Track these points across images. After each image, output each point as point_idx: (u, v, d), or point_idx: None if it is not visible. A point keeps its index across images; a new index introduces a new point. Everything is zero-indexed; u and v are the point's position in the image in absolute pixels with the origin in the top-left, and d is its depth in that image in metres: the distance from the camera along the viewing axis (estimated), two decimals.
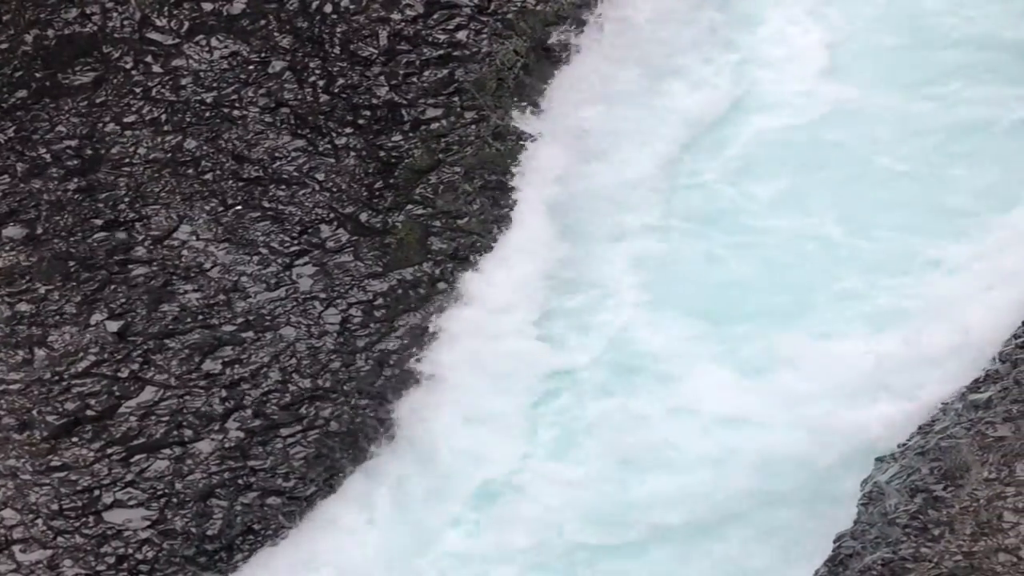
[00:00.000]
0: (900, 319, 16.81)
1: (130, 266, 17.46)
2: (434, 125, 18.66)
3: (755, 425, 16.35)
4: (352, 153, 18.42)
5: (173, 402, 16.63)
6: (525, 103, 19.09)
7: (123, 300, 17.21)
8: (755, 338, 16.99)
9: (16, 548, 15.59)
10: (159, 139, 18.32)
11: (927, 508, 14.63)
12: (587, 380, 17.07)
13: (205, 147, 18.32)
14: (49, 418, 16.38)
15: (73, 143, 18.24)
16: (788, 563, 15.41)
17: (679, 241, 18.07)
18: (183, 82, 18.69)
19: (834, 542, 15.02)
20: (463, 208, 18.26)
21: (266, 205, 18.01)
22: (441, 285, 17.76)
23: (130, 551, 15.73)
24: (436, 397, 17.01)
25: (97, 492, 15.99)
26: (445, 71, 18.97)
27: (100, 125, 18.36)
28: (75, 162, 18.13)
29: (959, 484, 14.73)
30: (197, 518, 15.97)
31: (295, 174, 18.24)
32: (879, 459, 15.58)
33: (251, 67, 18.84)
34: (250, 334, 17.11)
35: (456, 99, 18.84)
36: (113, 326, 17.03)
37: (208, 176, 18.16)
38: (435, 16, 19.26)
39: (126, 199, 17.92)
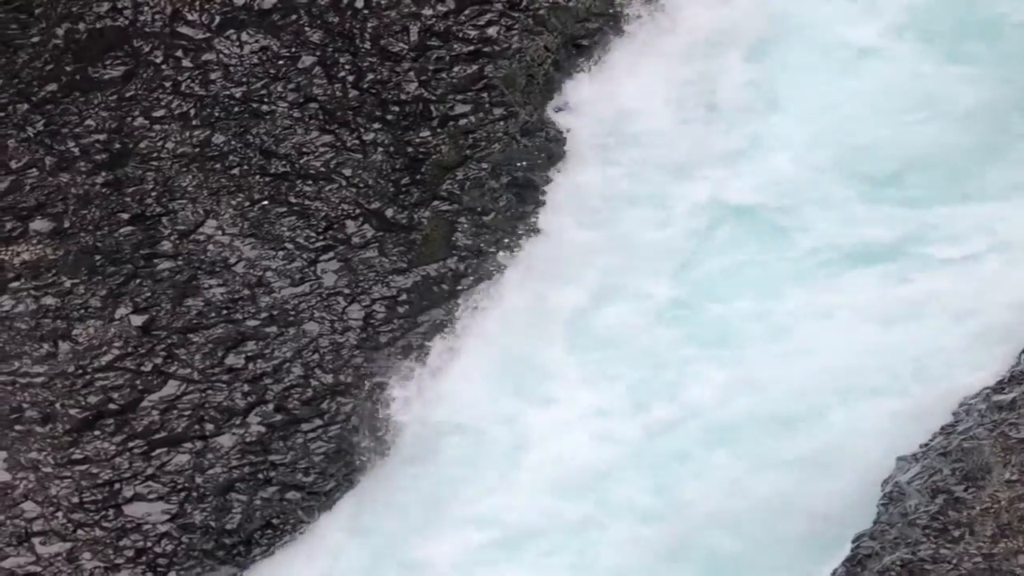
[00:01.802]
0: (920, 316, 16.68)
1: (156, 260, 17.50)
2: (462, 121, 18.61)
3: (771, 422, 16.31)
4: (380, 149, 18.40)
5: (195, 396, 16.64)
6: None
7: (148, 294, 17.25)
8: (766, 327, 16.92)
9: (36, 540, 15.65)
10: (187, 133, 18.36)
11: (948, 509, 14.47)
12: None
13: (233, 142, 18.34)
14: (72, 411, 16.43)
15: (102, 137, 18.30)
16: (806, 562, 15.28)
17: None
18: (213, 76, 18.73)
19: (852, 542, 14.85)
20: (489, 205, 18.20)
21: (292, 200, 18.01)
22: (466, 281, 17.72)
23: (149, 544, 15.75)
24: None
25: (118, 485, 16.03)
26: (475, 67, 18.92)
27: (129, 119, 18.42)
28: (103, 156, 18.19)
29: (980, 485, 14.57)
30: (216, 512, 15.98)
31: (322, 169, 18.24)
32: (900, 459, 15.42)
33: (281, 62, 18.86)
34: (273, 329, 17.11)
35: (485, 95, 18.79)
36: (137, 320, 17.07)
37: (235, 171, 18.18)
38: (466, 12, 19.22)
39: (153, 193, 17.97)
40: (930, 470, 14.88)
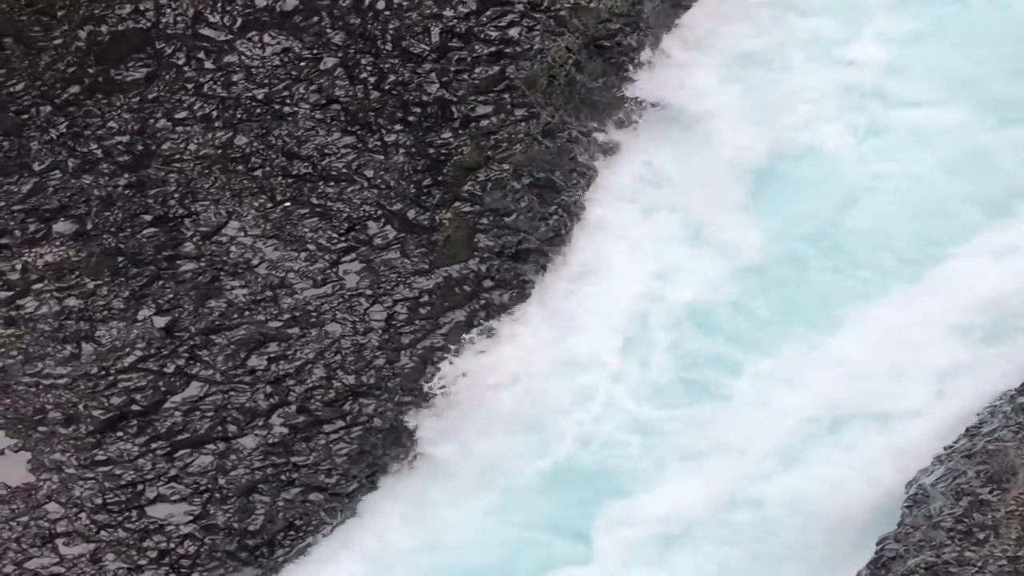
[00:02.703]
0: (947, 319, 16.66)
1: (178, 262, 17.52)
2: (484, 122, 18.60)
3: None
4: (401, 150, 18.40)
5: (218, 397, 16.65)
6: None
7: (171, 296, 17.27)
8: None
9: (60, 541, 15.67)
10: (210, 135, 18.37)
11: (972, 512, 14.39)
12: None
13: (255, 143, 18.35)
14: (95, 412, 16.45)
15: (124, 139, 18.33)
16: (830, 564, 15.22)
17: None
18: (235, 78, 18.74)
19: (877, 544, 14.78)
20: (511, 206, 18.18)
21: (314, 202, 18.02)
22: (488, 282, 17.70)
23: (172, 545, 15.75)
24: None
25: (141, 487, 16.04)
26: (496, 68, 18.91)
27: (152, 121, 18.44)
28: (126, 158, 18.22)
29: (1005, 488, 14.49)
30: (239, 513, 15.98)
31: (344, 171, 18.24)
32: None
33: (303, 63, 18.86)
34: (296, 330, 17.11)
35: (506, 96, 18.77)
36: (160, 321, 17.09)
37: (257, 172, 18.19)
38: (488, 13, 19.21)
39: (176, 195, 17.98)
40: (954, 472, 14.80)
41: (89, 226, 17.70)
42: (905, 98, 19.17)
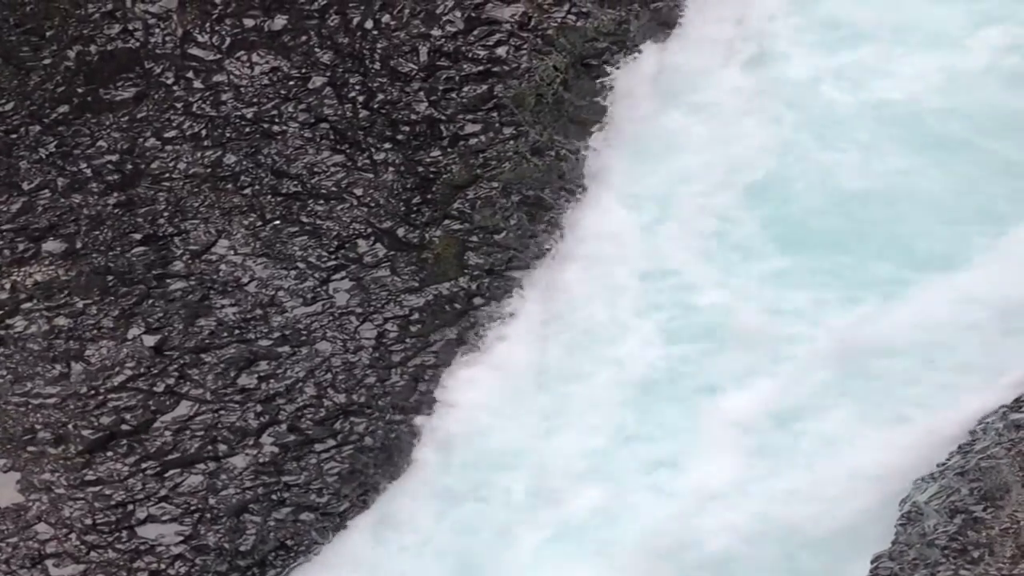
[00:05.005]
0: (938, 335, 16.69)
1: (168, 281, 17.49)
2: (473, 141, 18.61)
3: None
4: (391, 168, 18.40)
5: (208, 417, 16.61)
6: None
7: (160, 314, 17.23)
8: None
9: (49, 563, 15.62)
10: (199, 154, 18.36)
11: (966, 529, 14.40)
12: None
13: (245, 162, 18.34)
14: (84, 432, 16.40)
15: (114, 158, 18.30)
16: None
17: None
18: (224, 97, 18.74)
19: (871, 563, 14.78)
20: (500, 223, 18.19)
21: (304, 220, 18.01)
22: (478, 300, 17.71)
23: (163, 566, 15.71)
24: None
25: (131, 507, 16.00)
26: (484, 87, 18.94)
27: (141, 140, 18.43)
28: (115, 177, 18.19)
29: (999, 505, 14.50)
30: (230, 533, 15.94)
31: (333, 189, 18.24)
32: (918, 479, 15.38)
33: (291, 83, 18.86)
34: (286, 349, 17.09)
35: (495, 115, 18.80)
36: (150, 340, 17.05)
37: (247, 191, 18.17)
38: (475, 32, 19.24)
39: (165, 214, 17.96)
40: (948, 490, 14.81)
41: (78, 245, 17.67)
42: None
